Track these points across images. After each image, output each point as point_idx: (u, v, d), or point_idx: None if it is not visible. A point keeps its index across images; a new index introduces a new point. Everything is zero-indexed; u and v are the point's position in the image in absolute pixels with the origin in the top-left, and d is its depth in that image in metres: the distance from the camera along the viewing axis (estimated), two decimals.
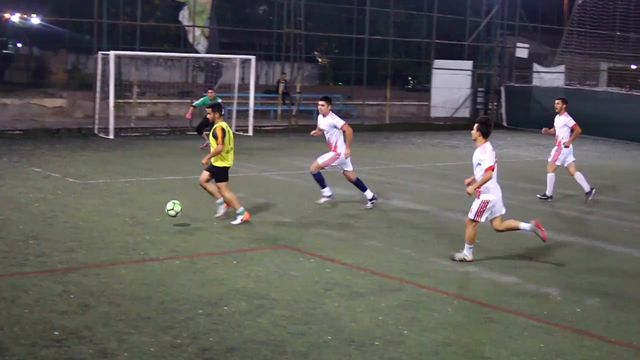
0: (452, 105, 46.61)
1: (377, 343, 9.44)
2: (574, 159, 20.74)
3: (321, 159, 18.00)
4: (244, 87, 38.84)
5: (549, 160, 20.78)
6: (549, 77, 48.36)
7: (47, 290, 10.90)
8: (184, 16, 41.41)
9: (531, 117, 44.60)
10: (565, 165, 20.67)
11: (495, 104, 47.60)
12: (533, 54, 51.14)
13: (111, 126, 30.77)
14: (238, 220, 15.87)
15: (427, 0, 47.34)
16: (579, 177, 20.48)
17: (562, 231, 16.73)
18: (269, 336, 9.49)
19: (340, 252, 13.84)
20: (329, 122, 17.95)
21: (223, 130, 15.81)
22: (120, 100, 33.95)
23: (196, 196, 18.60)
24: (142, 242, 14.01)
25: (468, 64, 47.95)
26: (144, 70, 44.87)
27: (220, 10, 48.91)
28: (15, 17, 51.11)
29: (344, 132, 17.81)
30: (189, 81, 42.95)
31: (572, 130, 20.56)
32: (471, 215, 13.75)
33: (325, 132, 18.08)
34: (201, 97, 29.29)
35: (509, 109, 45.98)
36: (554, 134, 20.89)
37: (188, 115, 29.41)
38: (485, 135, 13.72)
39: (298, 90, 40.89)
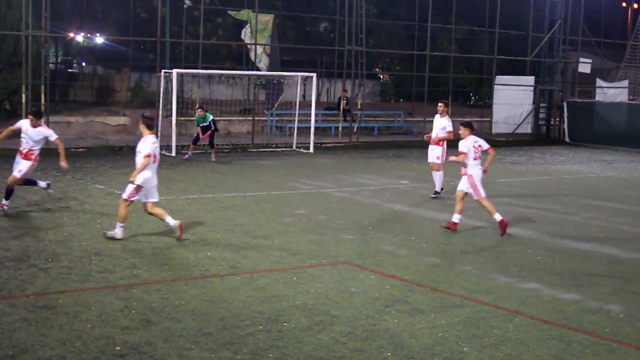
0: (514, 122, 46.31)
1: None
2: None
3: (19, 172, 18.00)
4: (306, 104, 39.02)
5: (438, 162, 22.19)
6: (612, 92, 47.86)
7: (109, 305, 11.02)
8: (245, 34, 41.60)
9: (594, 132, 44.18)
10: (430, 161, 22.48)
11: (557, 119, 47.20)
12: (596, 69, 50.72)
13: (173, 143, 31.00)
14: None
15: (489, 16, 47.14)
16: (439, 175, 22.06)
17: (624, 248, 16.53)
18: (328, 352, 9.49)
19: (400, 269, 13.81)
20: (43, 133, 18.06)
21: None
22: (182, 118, 34.24)
23: (257, 213, 18.72)
24: (203, 258, 14.09)
25: (530, 80, 47.64)
26: (206, 88, 45.22)
27: (282, 28, 49.10)
28: (80, 37, 51.81)
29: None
30: (251, 99, 43.12)
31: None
32: (124, 196, 15.37)
33: (33, 141, 18.07)
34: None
35: (571, 125, 45.52)
36: (430, 137, 22.59)
37: (204, 137, 29.70)
38: (150, 127, 15.58)
39: (359, 107, 40.88)
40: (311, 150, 34.09)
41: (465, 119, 19.48)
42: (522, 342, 10.16)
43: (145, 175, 15.30)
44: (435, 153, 22.17)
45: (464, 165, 17.88)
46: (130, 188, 15.34)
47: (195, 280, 12.60)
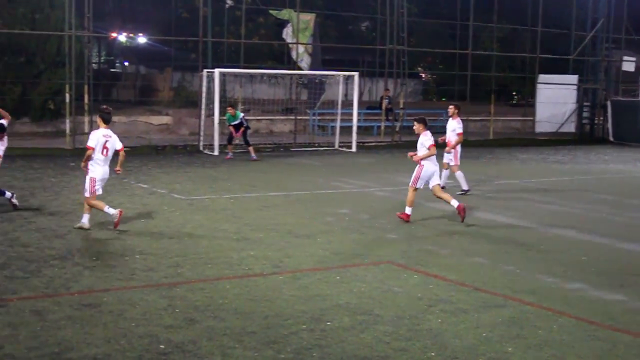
0: (557, 120, 46.06)
1: None
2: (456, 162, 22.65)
3: None
4: (347, 104, 39.00)
5: (452, 163, 22.62)
6: None
7: (153, 304, 11.06)
8: (287, 33, 41.70)
9: (638, 131, 43.81)
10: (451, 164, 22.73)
11: (601, 118, 46.90)
12: None
13: (216, 143, 31.13)
14: None
15: (531, 14, 46.91)
16: (459, 175, 22.41)
17: None
18: (372, 352, 9.47)
19: (444, 268, 13.75)
20: None
21: None
22: (224, 117, 34.36)
23: (300, 212, 18.73)
24: (246, 257, 14.10)
25: (573, 79, 47.37)
26: (248, 88, 45.35)
27: (324, 27, 49.15)
28: (122, 37, 52.10)
29: None
30: (293, 98, 43.18)
31: (457, 135, 22.52)
32: (87, 194, 16.13)
33: None
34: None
35: (615, 124, 45.22)
36: (444, 140, 22.83)
37: (238, 134, 29.75)
38: (105, 121, 16.33)
39: (401, 106, 40.86)
40: (353, 149, 34.10)
41: (420, 116, 19.56)
42: (567, 342, 10.08)
43: (95, 169, 16.11)
44: (449, 156, 22.58)
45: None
46: (87, 184, 16.16)
47: (238, 279, 12.62)
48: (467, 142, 39.37)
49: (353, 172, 26.68)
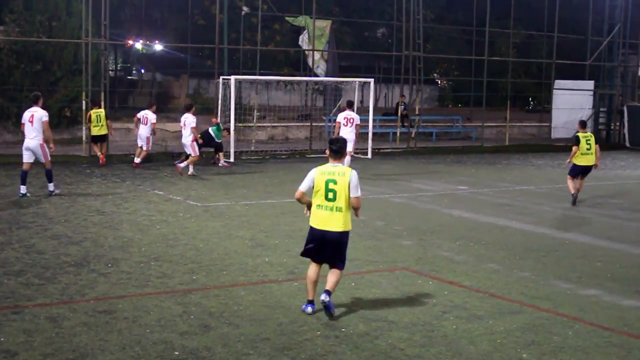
0: (574, 126, 45.76)
1: None
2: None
3: None
4: (363, 110, 38.97)
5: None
6: None
7: (168, 310, 11.09)
8: (303, 40, 41.73)
9: None
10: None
11: (617, 124, 46.77)
12: None
13: (232, 150, 31.14)
14: None
15: (547, 20, 46.82)
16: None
17: None
18: (386, 358, 9.48)
19: (458, 275, 13.75)
20: None
21: None
22: (240, 124, 34.39)
23: None
24: (262, 264, 14.13)
25: (590, 84, 47.26)
26: (264, 94, 45.39)
27: (339, 34, 49.17)
28: (139, 44, 52.26)
29: None
30: (308, 104, 43.19)
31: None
32: None
33: None
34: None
35: (632, 129, 45.00)
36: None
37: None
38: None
39: (417, 112, 40.81)
40: (369, 155, 34.04)
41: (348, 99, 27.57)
42: (582, 349, 10.07)
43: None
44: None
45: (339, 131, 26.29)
46: None
47: (253, 286, 12.65)
48: (484, 148, 39.43)
49: (368, 178, 26.65)
